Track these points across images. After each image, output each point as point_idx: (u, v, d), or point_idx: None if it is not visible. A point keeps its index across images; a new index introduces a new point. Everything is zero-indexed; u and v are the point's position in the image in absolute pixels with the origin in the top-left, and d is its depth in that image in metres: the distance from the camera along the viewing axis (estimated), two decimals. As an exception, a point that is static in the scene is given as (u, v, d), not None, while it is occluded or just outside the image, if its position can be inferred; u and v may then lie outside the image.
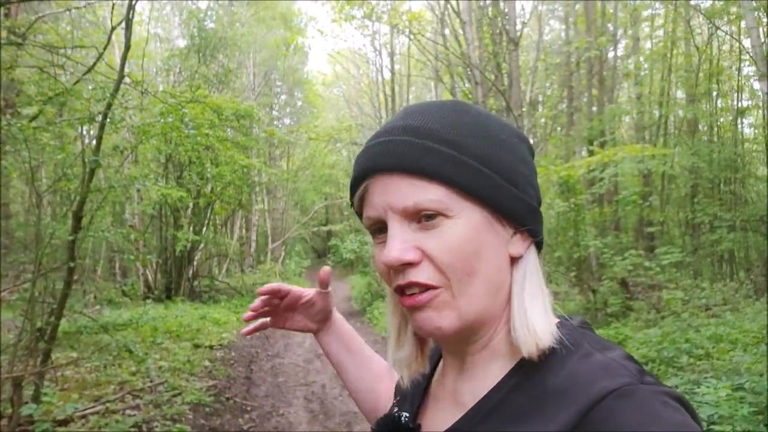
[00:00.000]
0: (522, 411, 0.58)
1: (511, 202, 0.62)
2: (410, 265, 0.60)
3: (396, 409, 0.75)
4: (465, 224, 0.60)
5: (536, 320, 0.61)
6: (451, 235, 0.59)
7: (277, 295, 0.92)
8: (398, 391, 0.82)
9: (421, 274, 0.60)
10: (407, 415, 0.72)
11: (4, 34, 4.35)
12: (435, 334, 0.62)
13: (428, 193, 0.59)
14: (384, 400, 0.93)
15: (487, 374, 0.65)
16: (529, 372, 0.61)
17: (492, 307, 0.63)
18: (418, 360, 0.72)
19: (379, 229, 0.63)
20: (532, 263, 0.65)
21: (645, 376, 0.56)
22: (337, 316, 1.00)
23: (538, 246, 0.67)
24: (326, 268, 0.95)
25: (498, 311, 0.64)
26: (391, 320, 0.72)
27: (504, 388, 0.61)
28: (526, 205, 0.63)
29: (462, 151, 0.60)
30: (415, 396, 0.75)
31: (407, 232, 0.60)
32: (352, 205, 0.68)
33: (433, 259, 0.59)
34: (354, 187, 0.66)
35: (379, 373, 0.99)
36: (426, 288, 0.60)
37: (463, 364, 0.68)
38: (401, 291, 0.62)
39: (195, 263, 13.18)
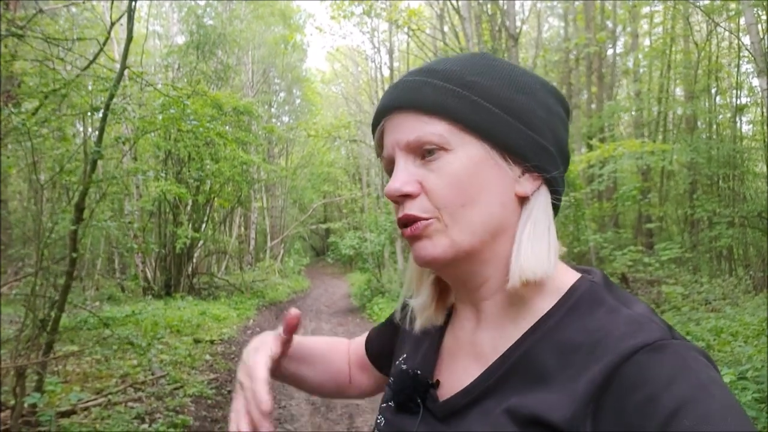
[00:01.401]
0: (547, 367, 0.57)
1: (516, 139, 0.61)
2: (409, 197, 0.61)
3: (405, 366, 0.72)
4: (462, 157, 0.60)
5: (529, 254, 0.60)
6: (447, 168, 0.60)
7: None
8: (403, 345, 0.79)
9: (415, 207, 0.61)
10: (419, 371, 0.69)
11: (4, 26, 4.33)
12: (431, 264, 0.63)
13: (430, 127, 0.61)
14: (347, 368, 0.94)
15: (506, 322, 0.63)
16: (552, 326, 0.59)
17: (492, 243, 0.62)
18: (433, 308, 0.71)
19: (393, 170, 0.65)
20: (540, 206, 0.63)
21: (674, 332, 0.55)
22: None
23: (556, 204, 0.65)
24: (296, 310, 0.73)
25: (503, 250, 0.62)
26: (411, 267, 0.72)
27: (527, 341, 0.60)
28: (534, 142, 0.62)
29: (467, 88, 0.61)
30: (428, 352, 0.72)
31: (411, 166, 0.62)
32: (379, 155, 0.69)
33: (428, 192, 0.61)
34: (373, 131, 0.68)
35: (339, 348, 0.96)
36: (418, 219, 0.61)
37: (479, 313, 0.66)
38: (403, 225, 0.63)
39: (194, 260, 13.17)
